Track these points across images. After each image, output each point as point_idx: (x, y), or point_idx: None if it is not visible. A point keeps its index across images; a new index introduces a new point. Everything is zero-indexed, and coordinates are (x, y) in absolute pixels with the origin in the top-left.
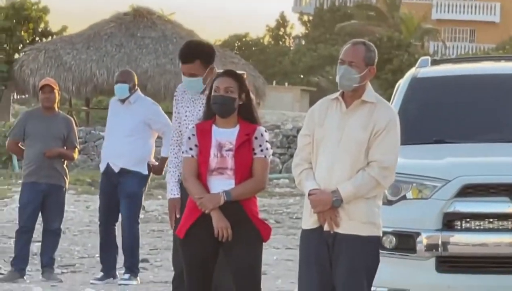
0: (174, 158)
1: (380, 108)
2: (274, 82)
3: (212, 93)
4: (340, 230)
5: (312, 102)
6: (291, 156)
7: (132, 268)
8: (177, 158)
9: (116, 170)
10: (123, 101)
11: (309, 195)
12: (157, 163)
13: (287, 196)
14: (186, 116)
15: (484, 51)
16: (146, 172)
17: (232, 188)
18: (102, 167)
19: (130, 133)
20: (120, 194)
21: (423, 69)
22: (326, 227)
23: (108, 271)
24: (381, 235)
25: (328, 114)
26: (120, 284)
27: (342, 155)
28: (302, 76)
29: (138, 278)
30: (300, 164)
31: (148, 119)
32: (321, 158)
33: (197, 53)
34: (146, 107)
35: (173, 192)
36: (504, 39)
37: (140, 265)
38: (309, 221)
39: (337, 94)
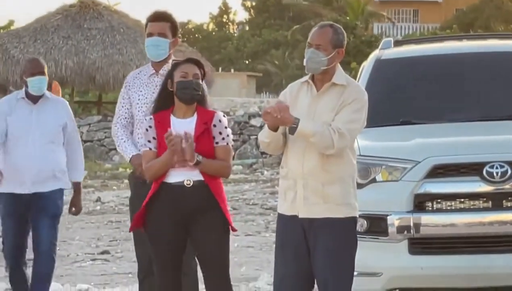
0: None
1: (350, 90)
2: (220, 69)
3: (179, 79)
4: (316, 215)
5: (258, 87)
6: (244, 142)
7: None
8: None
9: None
10: (34, 99)
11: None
12: None
13: (242, 183)
14: (139, 100)
15: (429, 31)
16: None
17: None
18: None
19: (51, 139)
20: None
21: (387, 51)
22: (301, 214)
23: None
24: (357, 216)
25: (299, 98)
26: None
27: None
28: (247, 62)
29: None
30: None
31: (63, 122)
32: (292, 142)
33: (168, 17)
34: (62, 105)
35: (130, 150)
36: (448, 18)
37: (102, 256)
38: (283, 205)
39: (306, 77)
